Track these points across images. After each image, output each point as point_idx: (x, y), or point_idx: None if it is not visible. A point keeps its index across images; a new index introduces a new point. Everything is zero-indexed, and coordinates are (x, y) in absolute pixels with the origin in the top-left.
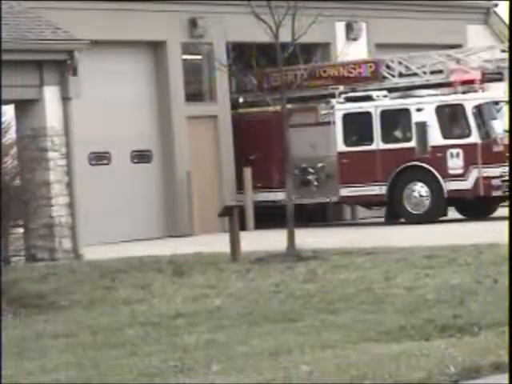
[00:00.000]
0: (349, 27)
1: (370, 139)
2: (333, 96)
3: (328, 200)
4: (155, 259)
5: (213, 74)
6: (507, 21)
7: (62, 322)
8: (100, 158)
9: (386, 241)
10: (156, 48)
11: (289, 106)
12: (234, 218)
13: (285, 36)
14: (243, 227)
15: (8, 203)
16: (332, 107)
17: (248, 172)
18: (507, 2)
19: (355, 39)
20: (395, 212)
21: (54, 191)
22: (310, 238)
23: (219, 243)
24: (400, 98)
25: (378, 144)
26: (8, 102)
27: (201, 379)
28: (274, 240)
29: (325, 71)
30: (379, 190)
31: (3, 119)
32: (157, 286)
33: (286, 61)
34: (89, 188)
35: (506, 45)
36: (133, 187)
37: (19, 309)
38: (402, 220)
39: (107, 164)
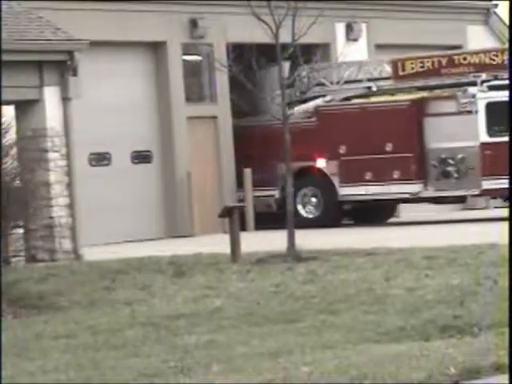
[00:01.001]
0: (349, 28)
1: None
2: (474, 84)
3: (469, 193)
4: (155, 260)
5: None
6: (507, 21)
7: (62, 322)
8: (100, 159)
9: (386, 241)
10: (156, 48)
11: (425, 94)
12: (234, 219)
13: (285, 36)
14: (244, 228)
15: (8, 204)
16: (473, 95)
17: (248, 172)
18: (507, 3)
19: (355, 40)
20: None
21: (54, 192)
22: (309, 239)
23: (219, 244)
24: None
25: None
26: (8, 103)
27: (201, 380)
28: (274, 241)
29: (465, 58)
30: None
31: (3, 120)
32: (157, 287)
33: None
34: (89, 188)
35: (507, 45)
36: (133, 188)
37: (19, 309)
38: None
39: (107, 164)
